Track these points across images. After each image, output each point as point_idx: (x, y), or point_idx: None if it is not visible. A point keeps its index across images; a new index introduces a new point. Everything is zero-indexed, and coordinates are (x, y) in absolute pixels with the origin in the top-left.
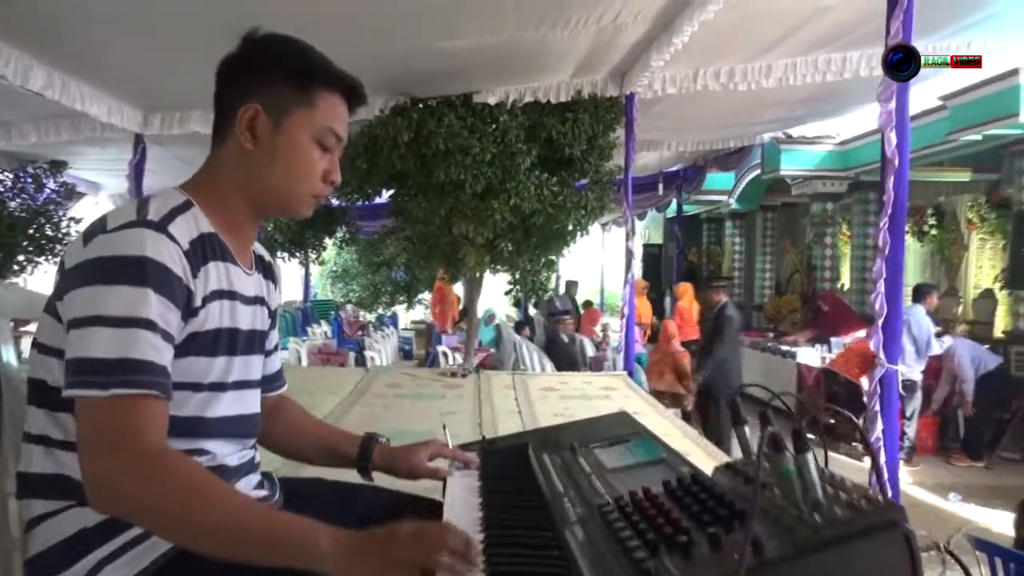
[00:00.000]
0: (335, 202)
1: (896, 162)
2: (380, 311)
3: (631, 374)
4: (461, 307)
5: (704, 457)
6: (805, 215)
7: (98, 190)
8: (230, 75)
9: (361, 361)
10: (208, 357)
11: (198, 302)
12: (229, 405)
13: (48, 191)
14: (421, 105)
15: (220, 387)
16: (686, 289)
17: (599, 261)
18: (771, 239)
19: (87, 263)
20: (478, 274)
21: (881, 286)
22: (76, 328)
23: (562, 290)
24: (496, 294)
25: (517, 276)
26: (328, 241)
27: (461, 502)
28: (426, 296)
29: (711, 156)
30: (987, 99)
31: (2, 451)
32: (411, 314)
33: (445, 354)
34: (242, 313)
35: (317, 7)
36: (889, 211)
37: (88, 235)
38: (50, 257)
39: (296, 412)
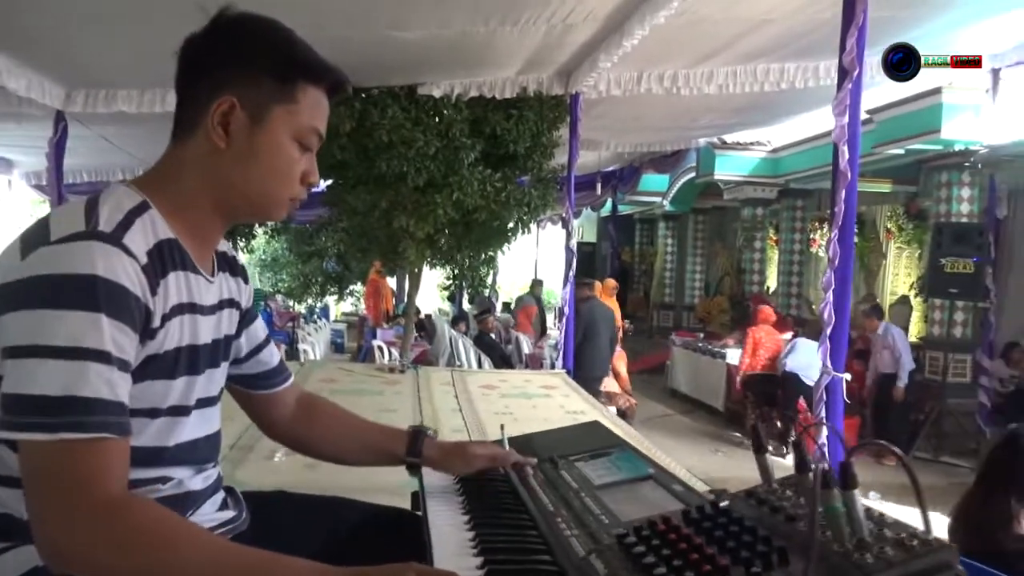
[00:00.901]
0: None
1: (848, 175)
2: (310, 302)
3: (570, 372)
4: (395, 300)
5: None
6: (736, 219)
7: (11, 168)
8: (198, 60)
9: (293, 354)
10: (166, 380)
11: (157, 322)
12: (192, 428)
13: None
14: (364, 94)
15: (183, 410)
16: (610, 285)
17: (533, 257)
18: (702, 241)
19: (27, 281)
20: (417, 269)
21: (830, 296)
22: (15, 358)
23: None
24: (431, 288)
25: (456, 272)
26: (258, 229)
27: (445, 519)
28: (358, 287)
29: (648, 158)
30: (911, 115)
31: None
32: (341, 306)
33: (380, 348)
34: (203, 326)
35: None
36: (839, 223)
37: (27, 244)
38: None
39: (333, 411)
